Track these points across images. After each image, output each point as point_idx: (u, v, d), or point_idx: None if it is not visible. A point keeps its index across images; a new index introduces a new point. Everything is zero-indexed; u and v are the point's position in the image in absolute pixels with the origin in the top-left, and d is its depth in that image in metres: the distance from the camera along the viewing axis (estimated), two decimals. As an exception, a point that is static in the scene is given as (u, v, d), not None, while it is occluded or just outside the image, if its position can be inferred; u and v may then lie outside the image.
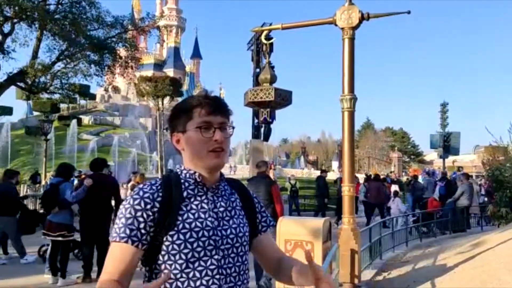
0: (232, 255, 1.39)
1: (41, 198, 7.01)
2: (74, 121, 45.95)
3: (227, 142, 1.42)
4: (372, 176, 16.32)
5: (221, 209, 1.42)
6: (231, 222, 1.42)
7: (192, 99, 1.46)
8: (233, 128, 1.45)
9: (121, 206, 1.37)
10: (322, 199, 15.00)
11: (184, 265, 1.31)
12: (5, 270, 7.17)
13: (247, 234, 1.46)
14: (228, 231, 1.39)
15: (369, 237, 7.45)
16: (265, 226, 1.58)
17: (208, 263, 1.33)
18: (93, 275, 6.52)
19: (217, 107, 1.42)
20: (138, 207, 1.33)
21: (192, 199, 1.39)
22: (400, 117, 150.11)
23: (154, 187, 1.38)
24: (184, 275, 1.31)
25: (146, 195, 1.35)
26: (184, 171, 1.43)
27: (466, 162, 45.04)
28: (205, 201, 1.40)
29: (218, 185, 1.45)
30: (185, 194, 1.39)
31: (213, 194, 1.43)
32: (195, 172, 1.41)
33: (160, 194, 1.36)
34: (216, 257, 1.34)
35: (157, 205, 1.34)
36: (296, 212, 16.48)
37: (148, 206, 1.33)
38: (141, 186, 1.40)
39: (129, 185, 12.04)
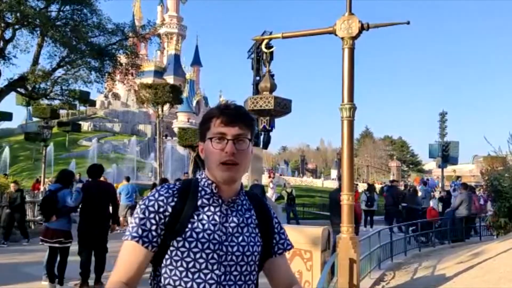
0: (235, 273, 1.35)
1: (40, 205, 6.99)
2: None
3: (242, 155, 1.37)
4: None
5: (233, 224, 1.38)
6: (240, 239, 1.38)
7: (214, 108, 1.44)
8: (249, 140, 1.40)
9: (137, 206, 1.39)
10: (395, 207, 15.02)
11: (183, 274, 1.31)
12: (3, 277, 7.14)
13: (256, 253, 1.41)
14: (235, 248, 1.36)
15: (369, 246, 7.44)
16: (281, 248, 1.51)
17: (208, 277, 1.32)
18: (91, 282, 6.50)
19: (235, 117, 1.38)
20: (151, 209, 1.35)
21: (205, 209, 1.37)
22: (399, 126, 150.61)
23: (170, 191, 1.39)
24: (182, 284, 1.31)
25: (161, 198, 1.36)
26: (204, 179, 1.41)
27: (465, 171, 45.06)
28: (218, 213, 1.38)
29: (235, 199, 1.42)
30: (199, 202, 1.38)
31: (228, 208, 1.40)
32: (212, 183, 1.39)
33: (175, 199, 1.37)
34: (217, 272, 1.32)
35: (170, 209, 1.35)
36: (295, 220, 16.38)
37: (161, 209, 1.35)
38: (158, 188, 1.41)
39: None
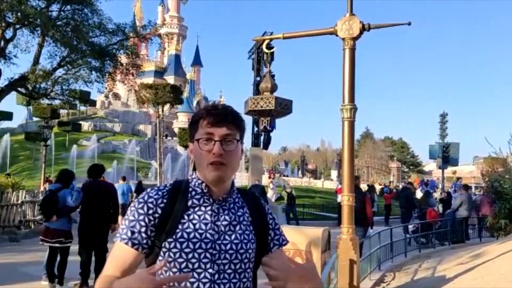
0: (229, 271, 1.34)
1: (40, 205, 6.98)
2: None
3: (230, 156, 1.36)
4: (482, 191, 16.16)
5: (225, 222, 1.37)
6: (233, 237, 1.36)
7: (202, 109, 1.44)
8: (237, 141, 1.38)
9: (129, 208, 1.40)
10: (409, 210, 14.90)
11: (177, 274, 1.31)
12: (2, 277, 7.13)
13: (250, 251, 1.39)
14: (228, 246, 1.35)
15: (369, 247, 7.44)
16: (277, 244, 1.49)
17: (202, 276, 1.31)
18: (91, 282, 6.49)
19: (222, 118, 1.37)
20: (141, 211, 1.35)
21: (196, 209, 1.37)
22: (400, 127, 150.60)
23: (160, 193, 1.39)
24: (176, 284, 1.30)
25: (150, 200, 1.37)
26: (195, 179, 1.42)
27: (465, 173, 45.07)
28: (209, 212, 1.37)
29: (226, 197, 1.41)
30: (190, 203, 1.37)
31: (219, 206, 1.39)
32: (202, 182, 1.39)
33: (165, 200, 1.37)
34: (210, 271, 1.32)
35: (159, 211, 1.35)
36: (295, 220, 16.32)
37: (150, 211, 1.35)
38: (149, 190, 1.42)
39: None
